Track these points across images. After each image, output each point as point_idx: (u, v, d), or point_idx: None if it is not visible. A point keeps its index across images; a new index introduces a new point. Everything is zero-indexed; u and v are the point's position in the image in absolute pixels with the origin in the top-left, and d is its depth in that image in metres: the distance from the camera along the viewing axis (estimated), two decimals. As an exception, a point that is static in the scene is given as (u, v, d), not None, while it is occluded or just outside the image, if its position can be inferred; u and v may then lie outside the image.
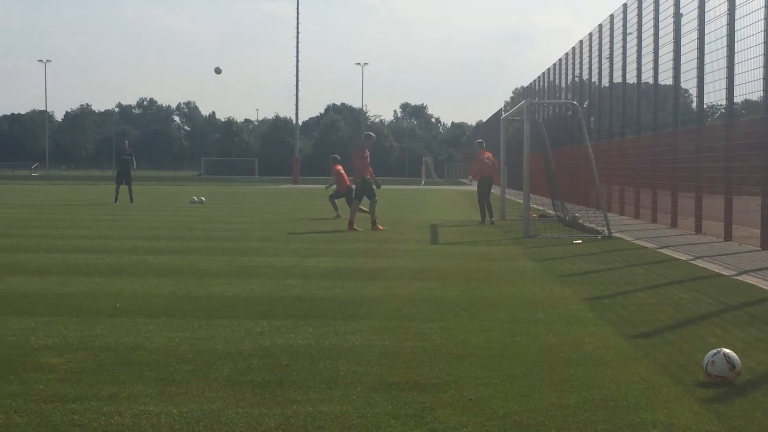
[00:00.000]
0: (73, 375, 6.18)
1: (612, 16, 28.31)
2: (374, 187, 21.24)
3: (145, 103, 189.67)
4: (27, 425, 5.03)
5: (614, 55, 28.09)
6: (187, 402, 5.50)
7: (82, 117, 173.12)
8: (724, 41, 17.16)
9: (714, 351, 6.19)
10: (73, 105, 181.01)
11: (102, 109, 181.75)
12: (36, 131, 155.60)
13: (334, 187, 25.66)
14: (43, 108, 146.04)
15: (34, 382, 5.97)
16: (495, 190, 31.85)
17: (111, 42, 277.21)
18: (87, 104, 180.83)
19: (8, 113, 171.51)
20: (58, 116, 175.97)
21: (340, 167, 25.58)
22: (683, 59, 20.30)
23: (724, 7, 17.18)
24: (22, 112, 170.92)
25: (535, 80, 49.36)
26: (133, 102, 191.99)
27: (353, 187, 25.76)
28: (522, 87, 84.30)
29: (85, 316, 8.57)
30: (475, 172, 24.59)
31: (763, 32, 15.25)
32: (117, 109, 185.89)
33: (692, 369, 6.42)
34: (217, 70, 33.25)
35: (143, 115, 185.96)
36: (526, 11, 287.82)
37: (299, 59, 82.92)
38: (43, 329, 7.84)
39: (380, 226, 20.69)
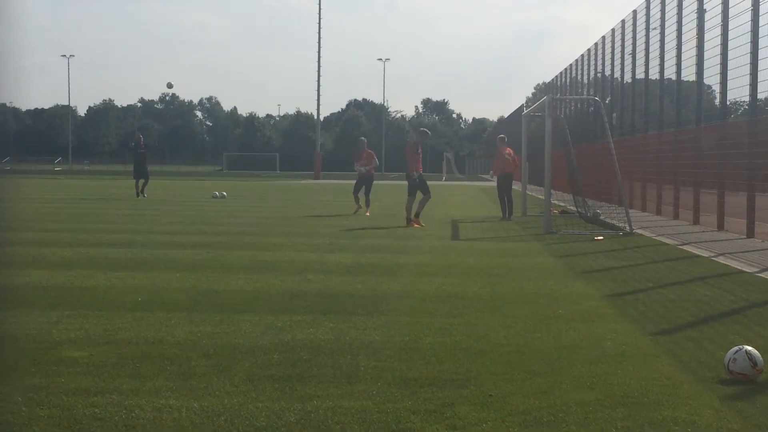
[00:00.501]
0: (94, 368, 6.22)
1: (635, 12, 28.18)
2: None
3: (167, 98, 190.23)
4: (49, 418, 5.06)
5: (637, 51, 27.97)
6: (207, 396, 5.52)
7: (104, 112, 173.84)
8: (747, 37, 17.06)
9: (736, 348, 6.17)
10: (96, 100, 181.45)
11: (125, 104, 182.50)
12: (59, 126, 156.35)
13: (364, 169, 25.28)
14: (66, 103, 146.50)
15: (56, 376, 6.00)
16: (516, 186, 31.79)
17: (134, 37, 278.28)
18: (110, 99, 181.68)
19: (32, 108, 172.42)
20: (81, 111, 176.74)
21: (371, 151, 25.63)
22: (706, 55, 20.19)
23: (748, 3, 17.08)
24: (46, 107, 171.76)
25: (557, 76, 49.22)
26: (155, 97, 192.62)
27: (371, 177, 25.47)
28: (544, 83, 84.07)
29: (108, 309, 8.61)
30: (496, 168, 24.55)
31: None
32: (139, 104, 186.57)
33: (714, 366, 6.40)
34: (169, 85, 33.96)
35: (165, 110, 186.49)
36: (548, 7, 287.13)
37: (321, 55, 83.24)
38: (66, 323, 7.89)
39: (421, 223, 20.72)
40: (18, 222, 20.64)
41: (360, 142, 26.08)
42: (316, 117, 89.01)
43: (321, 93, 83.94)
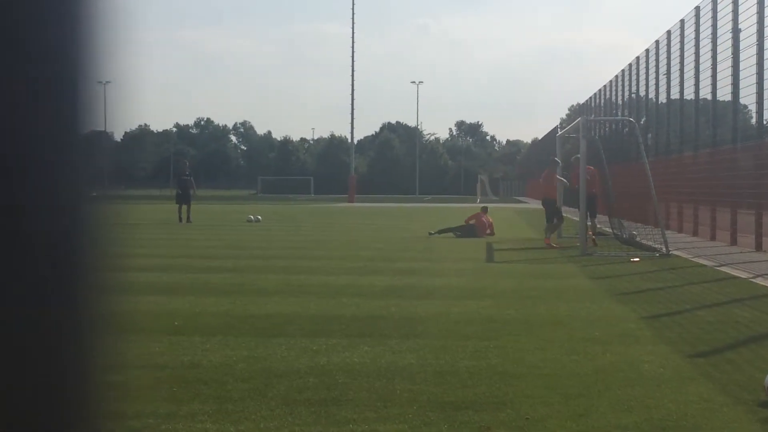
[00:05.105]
0: (131, 392, 6.23)
1: (669, 32, 28.09)
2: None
3: (202, 123, 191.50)
4: (86, 442, 5.07)
5: (672, 71, 27.86)
6: (243, 420, 5.52)
7: (140, 137, 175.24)
8: (783, 56, 16.96)
9: (775, 371, 6.10)
10: (132, 125, 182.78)
11: (160, 130, 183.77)
12: (101, 151, 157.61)
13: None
14: (102, 129, 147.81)
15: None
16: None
17: (169, 63, 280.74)
18: (145, 125, 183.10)
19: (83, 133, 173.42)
20: (117, 137, 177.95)
21: None
22: (742, 75, 20.09)
23: (784, 21, 16.99)
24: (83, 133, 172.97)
25: (591, 97, 49.10)
26: (190, 122, 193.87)
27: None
28: (578, 104, 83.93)
29: (144, 333, 8.64)
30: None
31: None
32: (175, 129, 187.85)
33: (753, 388, 6.32)
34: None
35: (200, 135, 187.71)
36: (580, 27, 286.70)
37: (354, 78, 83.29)
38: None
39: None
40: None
41: (557, 164, 23.50)
42: (350, 140, 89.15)
43: (355, 116, 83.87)
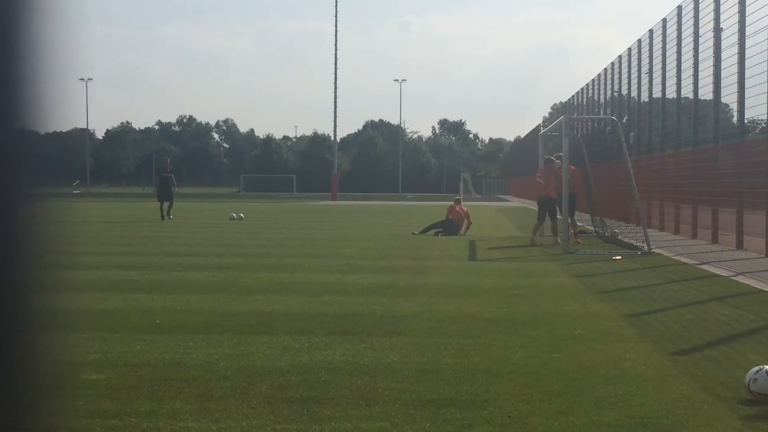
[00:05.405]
0: (113, 391, 6.22)
1: (651, 31, 28.18)
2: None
3: (184, 120, 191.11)
4: (67, 441, 5.06)
5: (654, 70, 27.96)
6: (225, 418, 5.51)
7: (122, 135, 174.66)
8: (765, 55, 17.03)
9: (756, 368, 6.12)
10: (114, 123, 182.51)
11: (142, 127, 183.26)
12: (77, 149, 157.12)
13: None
14: (84, 126, 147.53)
15: (74, 398, 6.00)
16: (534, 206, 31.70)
17: (151, 60, 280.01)
18: (127, 122, 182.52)
19: (50, 131, 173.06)
20: (99, 134, 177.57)
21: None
22: (723, 74, 20.16)
23: (766, 21, 17.05)
24: (64, 131, 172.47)
25: (573, 96, 49.22)
26: (173, 119, 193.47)
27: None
28: (560, 102, 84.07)
29: (126, 332, 8.62)
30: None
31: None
32: (157, 127, 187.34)
33: (734, 386, 6.35)
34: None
35: (183, 133, 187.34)
36: (564, 26, 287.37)
37: (337, 76, 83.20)
38: (84, 345, 7.90)
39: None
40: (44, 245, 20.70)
41: (550, 160, 22.96)
42: (332, 138, 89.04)
43: (338, 114, 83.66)
